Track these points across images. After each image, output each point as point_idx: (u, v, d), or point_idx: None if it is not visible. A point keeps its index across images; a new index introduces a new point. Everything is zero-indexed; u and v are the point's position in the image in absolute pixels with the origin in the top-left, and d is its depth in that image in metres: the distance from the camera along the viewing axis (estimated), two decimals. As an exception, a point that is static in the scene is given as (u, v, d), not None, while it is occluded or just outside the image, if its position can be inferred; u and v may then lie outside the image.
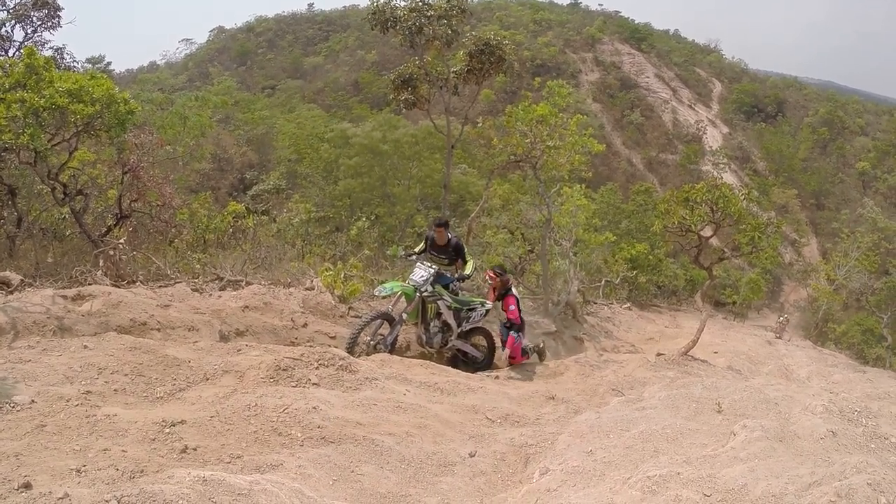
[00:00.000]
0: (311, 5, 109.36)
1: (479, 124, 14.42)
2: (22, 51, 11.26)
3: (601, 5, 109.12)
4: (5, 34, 15.77)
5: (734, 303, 26.58)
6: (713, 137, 72.12)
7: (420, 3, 12.31)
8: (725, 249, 11.35)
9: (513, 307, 8.46)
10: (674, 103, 78.98)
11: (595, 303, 16.28)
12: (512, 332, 8.38)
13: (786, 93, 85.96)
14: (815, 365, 12.75)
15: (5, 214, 10.75)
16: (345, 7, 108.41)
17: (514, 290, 8.78)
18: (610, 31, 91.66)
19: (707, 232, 9.89)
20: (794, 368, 12.53)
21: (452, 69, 12.80)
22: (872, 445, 4.09)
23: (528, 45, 76.40)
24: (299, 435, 4.48)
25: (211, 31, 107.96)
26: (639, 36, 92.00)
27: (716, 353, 12.25)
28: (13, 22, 15.91)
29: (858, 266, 25.49)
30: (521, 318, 8.70)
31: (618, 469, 4.07)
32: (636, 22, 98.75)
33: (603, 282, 17.94)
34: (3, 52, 15.22)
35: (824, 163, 67.76)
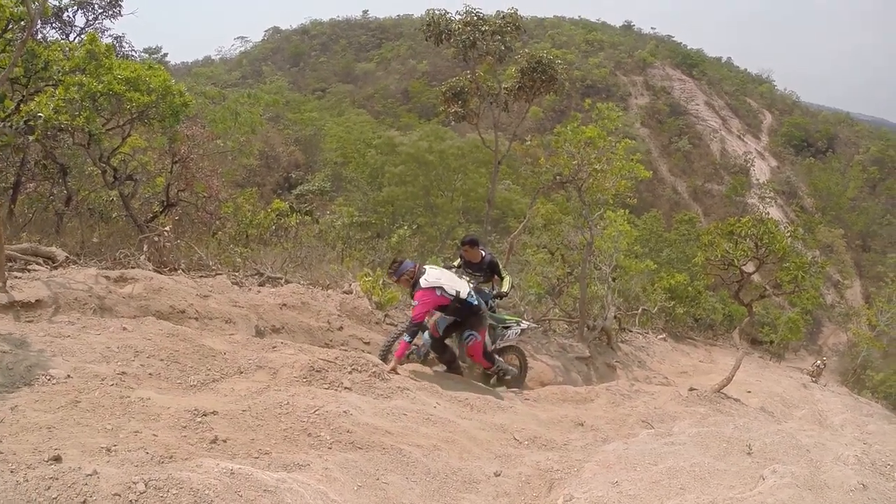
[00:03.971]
0: (365, 12, 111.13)
1: (528, 142, 14.38)
2: (84, 36, 11.61)
3: (654, 29, 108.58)
4: (67, 19, 16.26)
5: (771, 342, 25.94)
6: (761, 170, 71.03)
7: (475, 18, 12.34)
8: (767, 287, 11.15)
9: (415, 303, 6.74)
10: (723, 132, 78.12)
11: (630, 331, 16.06)
12: (405, 338, 6.66)
13: (837, 128, 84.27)
14: (850, 413, 12.36)
15: (55, 192, 11.08)
16: (399, 16, 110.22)
17: (426, 280, 6.82)
18: (662, 56, 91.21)
19: (749, 267, 9.71)
20: (829, 415, 12.17)
21: (503, 85, 12.81)
22: (902, 502, 3.96)
23: (578, 65, 76.36)
24: (328, 437, 4.48)
25: (266, 31, 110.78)
26: (690, 62, 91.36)
27: (749, 392, 11.97)
28: (75, 8, 16.42)
29: (902, 313, 24.67)
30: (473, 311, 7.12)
31: (643, 503, 3.99)
32: (688, 48, 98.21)
33: (640, 310, 17.68)
34: (65, 37, 15.70)
35: (873, 203, 66.17)
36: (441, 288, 6.84)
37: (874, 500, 3.92)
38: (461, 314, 7.18)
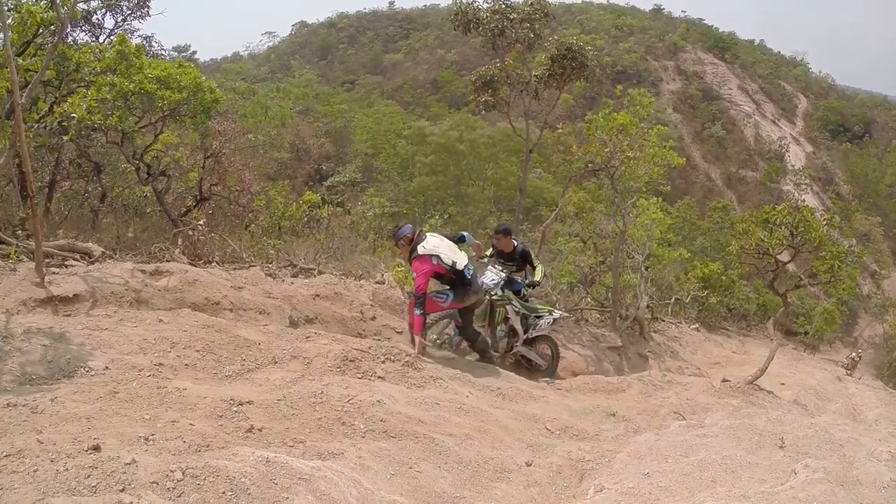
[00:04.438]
0: (391, 3, 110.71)
1: (559, 130, 14.27)
2: (114, 38, 11.87)
3: (684, 12, 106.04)
4: (96, 21, 16.55)
5: (806, 333, 25.41)
6: (796, 156, 69.30)
7: (503, 6, 12.26)
8: (802, 276, 10.94)
9: (415, 274, 6.76)
10: (757, 117, 76.32)
11: (663, 320, 15.87)
12: (416, 311, 6.68)
13: (874, 112, 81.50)
14: (885, 408, 12.07)
15: (90, 189, 11.34)
16: (425, 6, 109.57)
17: (423, 247, 6.80)
18: (693, 40, 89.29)
19: (785, 256, 9.56)
20: (863, 409, 11.90)
21: (533, 73, 12.71)
22: (936, 499, 3.85)
23: (608, 51, 75.16)
24: (362, 426, 4.52)
25: (293, 25, 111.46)
26: (723, 45, 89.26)
27: (783, 384, 11.76)
28: (104, 10, 16.71)
29: (940, 305, 24.08)
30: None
31: (673, 495, 3.93)
32: (720, 31, 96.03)
33: (673, 299, 17.45)
34: (95, 39, 15.98)
35: (912, 190, 64.14)
36: (437, 256, 6.77)
37: (906, 496, 3.84)
38: (454, 285, 7.05)
